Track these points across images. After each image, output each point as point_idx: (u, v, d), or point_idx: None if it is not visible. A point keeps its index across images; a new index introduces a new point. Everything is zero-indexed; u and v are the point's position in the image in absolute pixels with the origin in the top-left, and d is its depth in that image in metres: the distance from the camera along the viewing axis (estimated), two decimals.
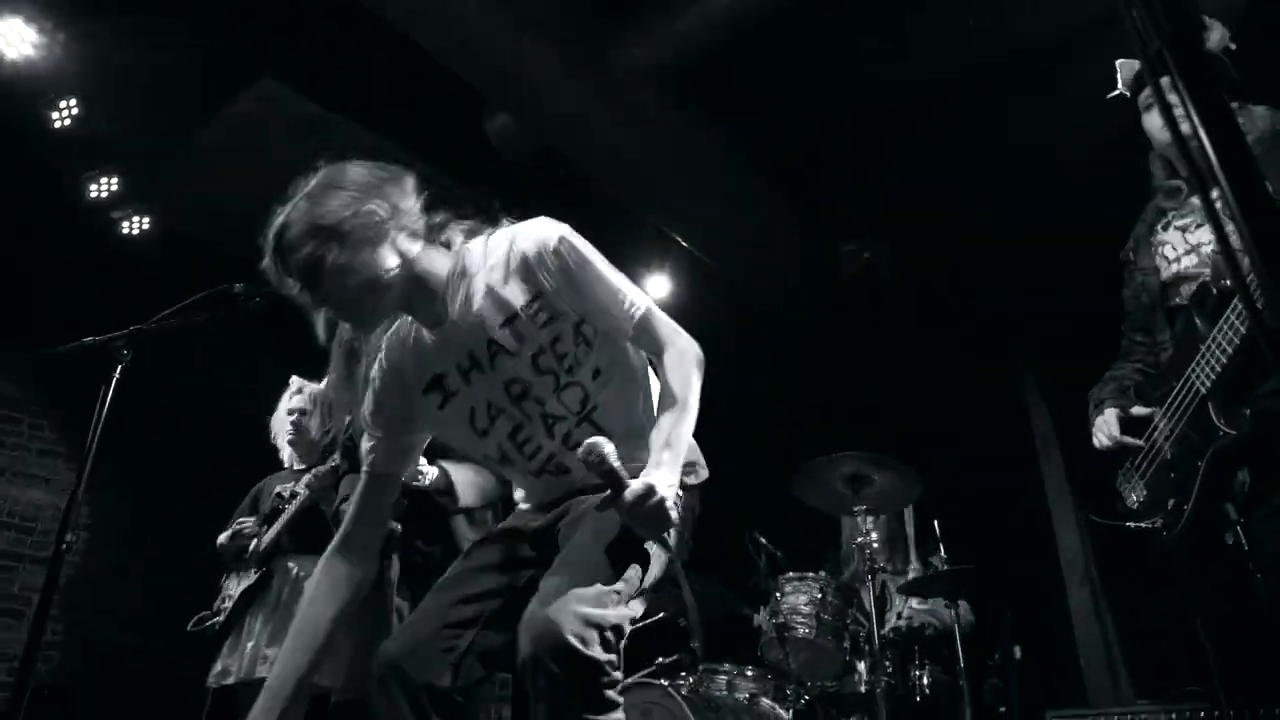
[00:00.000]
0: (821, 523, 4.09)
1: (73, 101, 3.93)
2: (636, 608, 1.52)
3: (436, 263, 1.71)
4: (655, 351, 1.71)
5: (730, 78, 4.24)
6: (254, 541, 3.28)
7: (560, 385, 1.69)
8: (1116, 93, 2.03)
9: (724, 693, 3.53)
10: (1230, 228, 0.61)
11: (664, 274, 5.18)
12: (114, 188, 4.39)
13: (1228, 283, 1.69)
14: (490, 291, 1.67)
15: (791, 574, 3.69)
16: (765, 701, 3.46)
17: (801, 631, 3.50)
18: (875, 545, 3.53)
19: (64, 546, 2.21)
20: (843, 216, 4.90)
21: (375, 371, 1.82)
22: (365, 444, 1.84)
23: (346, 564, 1.79)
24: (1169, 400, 1.91)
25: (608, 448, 1.49)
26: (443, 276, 1.70)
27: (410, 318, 1.76)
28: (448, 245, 1.75)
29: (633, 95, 4.26)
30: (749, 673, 3.61)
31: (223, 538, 3.34)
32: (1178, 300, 1.96)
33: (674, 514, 1.49)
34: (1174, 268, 1.99)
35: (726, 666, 3.64)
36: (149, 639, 4.90)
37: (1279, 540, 1.65)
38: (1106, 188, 2.61)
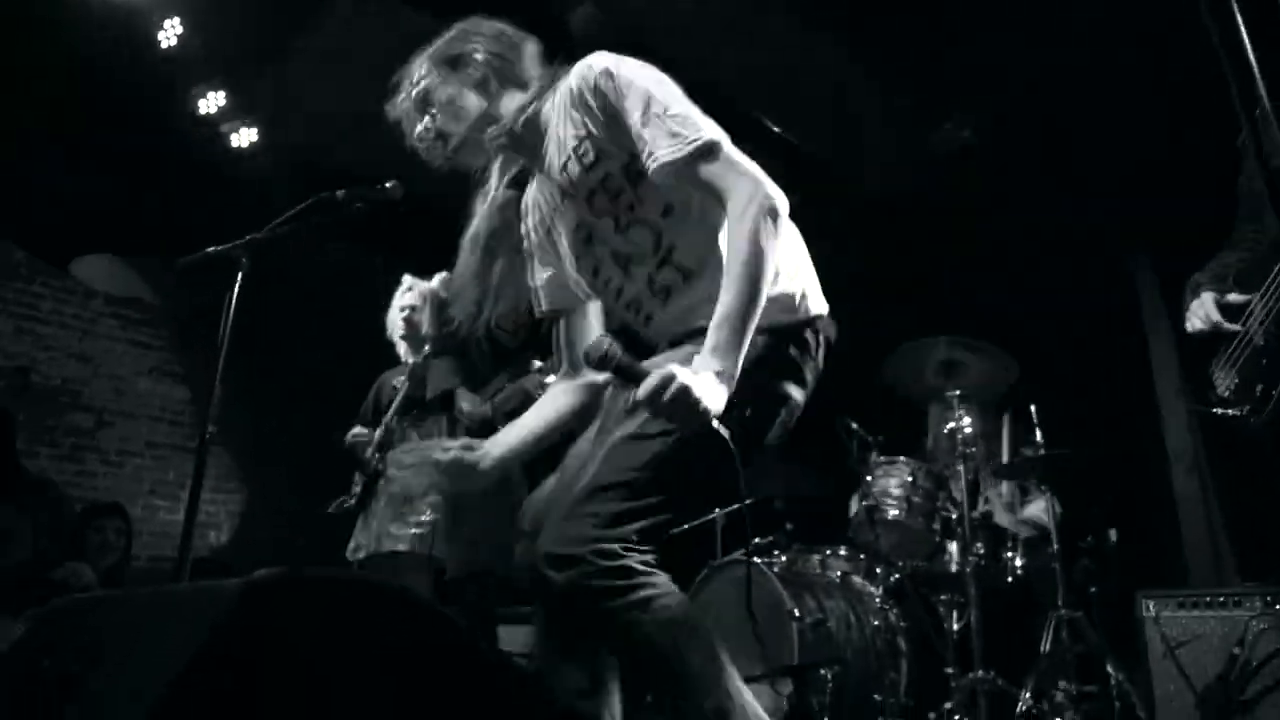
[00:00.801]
0: (914, 409, 4.09)
1: (177, 20, 4.08)
2: (675, 500, 1.44)
3: (530, 109, 1.70)
4: (717, 200, 1.52)
5: None
6: (373, 438, 3.56)
7: (621, 225, 1.61)
8: None
9: (817, 571, 3.68)
10: None
11: (761, 158, 5.08)
12: (221, 102, 4.57)
13: None
14: (555, 134, 1.66)
15: (882, 458, 3.73)
16: (857, 580, 3.59)
17: (891, 514, 3.56)
18: (968, 431, 3.52)
19: (206, 436, 2.48)
20: (938, 94, 4.65)
21: (528, 221, 1.86)
22: (540, 296, 1.87)
23: (571, 385, 1.81)
24: (1266, 284, 1.83)
25: (605, 344, 1.40)
26: (536, 123, 1.69)
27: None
28: (540, 93, 1.72)
29: None
30: (842, 552, 3.73)
31: (347, 440, 3.64)
32: None
33: (709, 401, 1.34)
34: None
35: (820, 546, 3.77)
36: (293, 521, 5.40)
37: None
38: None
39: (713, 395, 1.35)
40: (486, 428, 2.97)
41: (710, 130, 1.52)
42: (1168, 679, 2.54)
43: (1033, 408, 3.50)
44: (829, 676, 2.98)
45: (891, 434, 3.91)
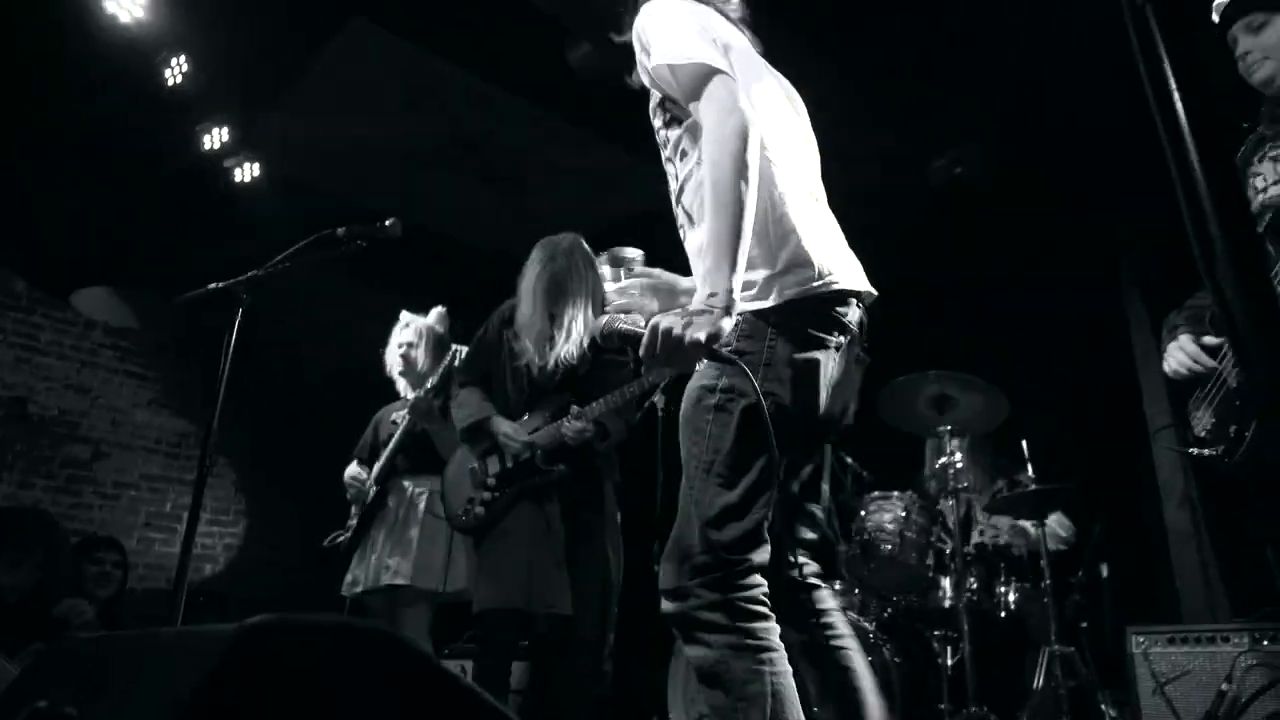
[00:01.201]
0: (906, 443, 4.11)
1: (183, 58, 4.17)
2: (737, 491, 1.46)
3: None
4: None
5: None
6: (368, 483, 3.59)
7: (663, 160, 1.72)
8: (1216, 20, 1.95)
9: None
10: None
11: None
12: (224, 138, 4.65)
13: None
14: None
15: (876, 493, 3.75)
16: (851, 615, 3.59)
17: (885, 549, 3.58)
18: (959, 466, 3.54)
19: (205, 471, 2.50)
20: (935, 125, 4.71)
21: None
22: None
23: None
24: None
25: (602, 321, 1.51)
26: None
27: None
28: None
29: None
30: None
31: (346, 477, 3.67)
32: (1260, 229, 1.90)
33: (694, 331, 1.36)
34: (1260, 197, 1.92)
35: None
36: (288, 554, 5.40)
37: None
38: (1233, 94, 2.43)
39: (699, 325, 1.36)
40: (525, 466, 3.00)
41: (710, 59, 1.53)
42: (1157, 715, 2.54)
43: (1024, 443, 3.53)
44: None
45: (886, 466, 3.93)
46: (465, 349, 3.36)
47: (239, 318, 2.61)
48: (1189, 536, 3.89)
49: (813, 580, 1.69)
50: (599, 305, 3.05)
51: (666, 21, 1.60)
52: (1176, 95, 0.67)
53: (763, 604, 1.45)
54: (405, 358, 3.68)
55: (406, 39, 4.40)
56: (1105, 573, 3.56)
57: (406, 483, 3.54)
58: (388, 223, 2.76)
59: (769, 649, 1.42)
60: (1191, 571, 3.86)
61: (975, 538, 3.74)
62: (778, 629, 1.46)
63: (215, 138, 4.66)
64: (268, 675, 0.60)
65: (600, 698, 2.92)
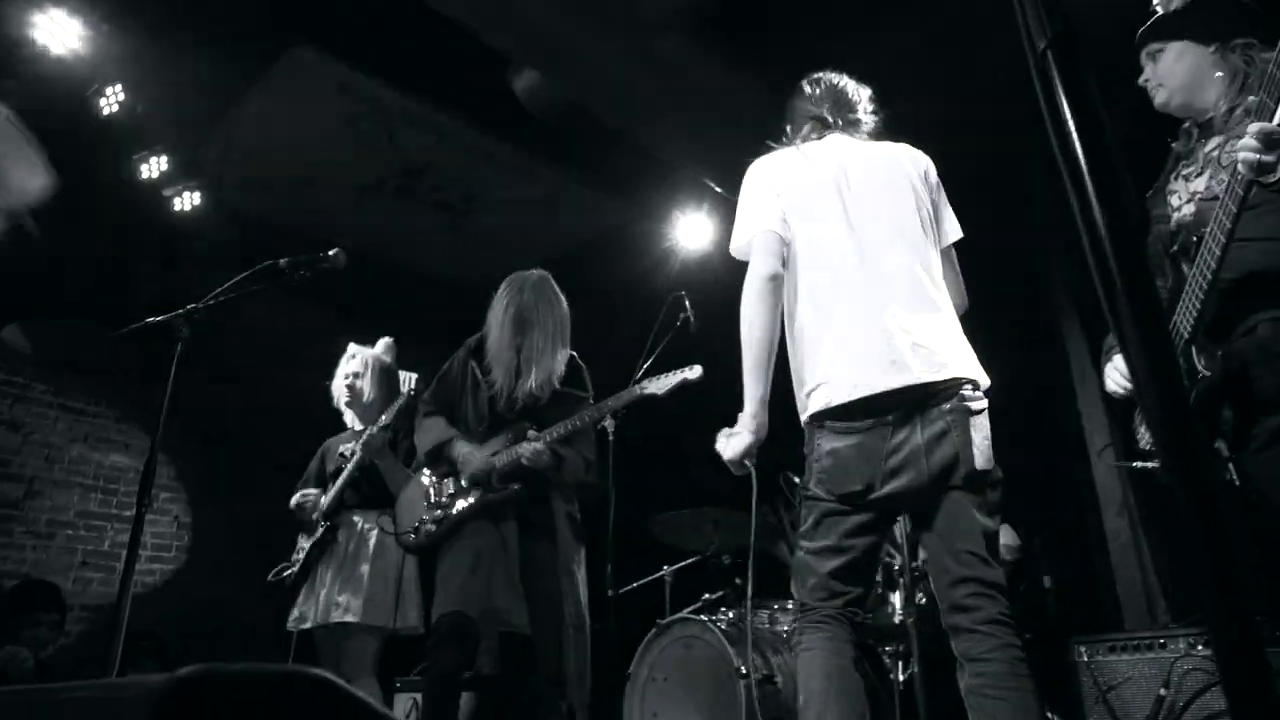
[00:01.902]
0: None
1: (119, 88, 4.09)
2: (807, 540, 1.92)
3: None
4: None
5: (754, 18, 4.20)
6: (320, 501, 3.53)
7: None
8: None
9: (764, 626, 3.69)
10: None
11: (702, 216, 5.18)
12: (163, 167, 4.57)
13: (1205, 230, 1.71)
14: None
15: None
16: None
17: None
18: None
19: (143, 507, 2.44)
20: None
21: None
22: None
23: None
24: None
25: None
26: None
27: None
28: None
29: (658, 43, 4.26)
30: (789, 607, 3.75)
31: (294, 502, 3.60)
32: (1175, 248, 1.98)
33: (725, 451, 1.91)
34: (1176, 215, 2.00)
35: (767, 602, 3.79)
36: (232, 590, 5.25)
37: (1265, 471, 1.69)
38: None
39: (728, 445, 1.92)
40: (480, 486, 3.00)
41: (751, 230, 1.99)
42: None
43: None
44: None
45: None
46: (416, 375, 3.34)
47: (178, 351, 2.56)
48: (1128, 545, 4.00)
49: (965, 623, 1.84)
50: (565, 339, 3.12)
51: (739, 213, 2.05)
52: (1076, 141, 0.70)
53: (827, 619, 1.83)
54: (351, 388, 3.63)
55: (349, 66, 4.38)
56: (1048, 583, 3.63)
57: (356, 517, 3.49)
58: (331, 253, 2.74)
59: (811, 649, 1.83)
60: (1132, 579, 3.96)
61: (923, 554, 3.79)
62: (829, 636, 1.83)
63: (153, 167, 4.58)
64: None
65: None
